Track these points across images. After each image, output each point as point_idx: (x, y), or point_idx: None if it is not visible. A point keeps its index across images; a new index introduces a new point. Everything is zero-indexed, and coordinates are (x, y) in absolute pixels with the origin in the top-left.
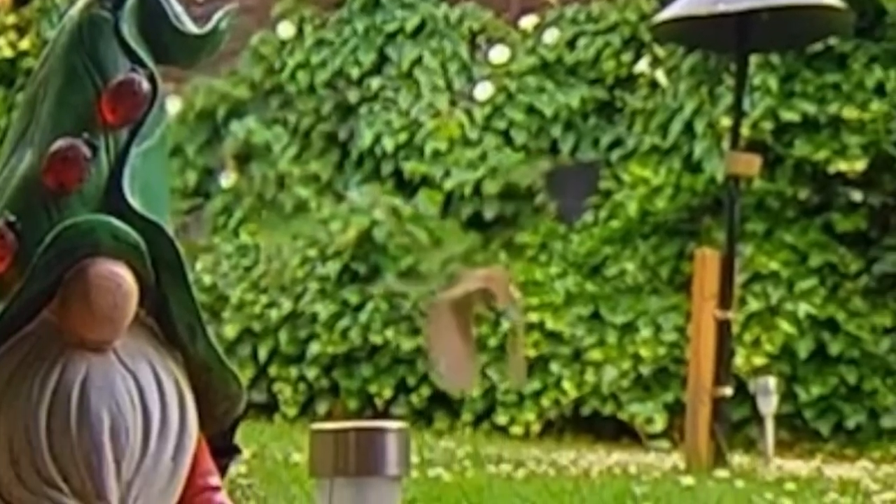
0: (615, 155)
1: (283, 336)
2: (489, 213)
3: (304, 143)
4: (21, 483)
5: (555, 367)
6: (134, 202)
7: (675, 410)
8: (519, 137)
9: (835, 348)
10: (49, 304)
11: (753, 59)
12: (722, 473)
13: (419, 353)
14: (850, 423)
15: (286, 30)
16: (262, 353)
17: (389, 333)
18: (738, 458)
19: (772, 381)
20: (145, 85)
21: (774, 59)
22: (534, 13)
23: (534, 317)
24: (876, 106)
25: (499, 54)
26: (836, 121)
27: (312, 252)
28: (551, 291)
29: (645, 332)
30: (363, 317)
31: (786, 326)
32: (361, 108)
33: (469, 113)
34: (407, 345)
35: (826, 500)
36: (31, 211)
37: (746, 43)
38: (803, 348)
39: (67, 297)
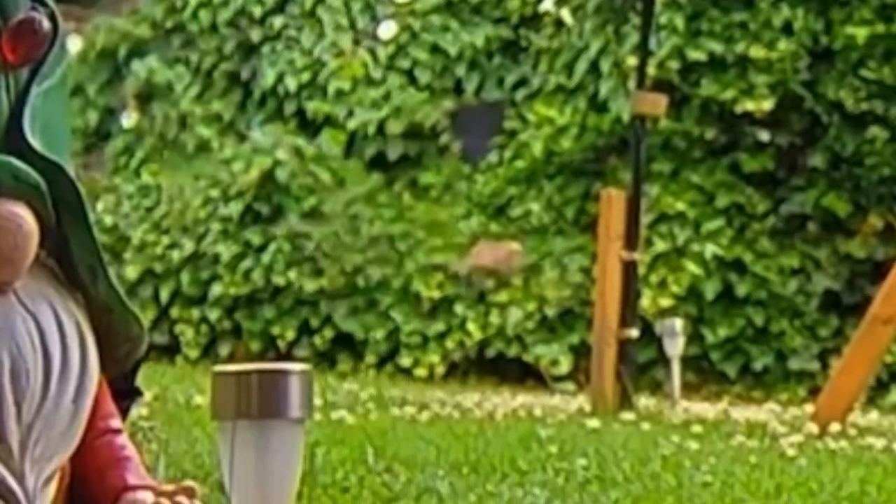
0: (520, 95)
1: (184, 277)
2: (393, 154)
3: (207, 83)
4: None
5: (459, 309)
6: (34, 142)
7: (581, 352)
8: (423, 77)
9: (742, 290)
10: None
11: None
12: (628, 416)
13: (322, 295)
14: (757, 366)
15: None
16: (164, 295)
17: (292, 275)
18: (644, 401)
19: (678, 323)
20: (46, 24)
21: None
22: None
23: (438, 258)
24: (783, 45)
25: None
26: (743, 60)
27: (215, 192)
28: (456, 232)
29: (550, 274)
30: (266, 258)
31: (692, 268)
32: (264, 48)
33: (373, 52)
34: (310, 286)
35: (733, 442)
36: None
37: None
38: (710, 290)
39: None
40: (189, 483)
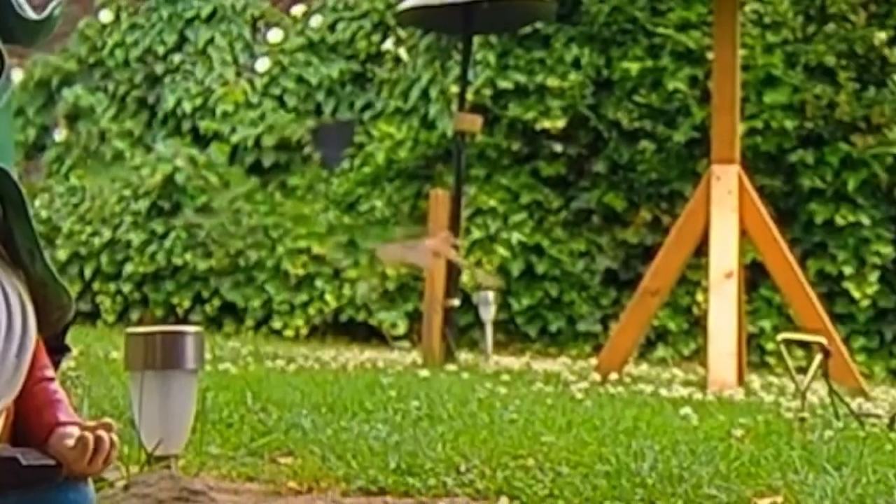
0: (367, 115)
1: (104, 258)
2: (267, 161)
3: (121, 106)
4: None
5: (319, 283)
6: None
7: (414, 317)
8: (291, 101)
9: (541, 268)
10: None
11: (476, 39)
12: (451, 368)
13: (211, 272)
14: (553, 328)
15: (106, 16)
16: (87, 272)
17: (188, 256)
18: (464, 356)
19: (491, 295)
20: None
21: (493, 39)
22: (302, 2)
23: (302, 243)
24: (573, 76)
25: (275, 35)
26: (542, 88)
27: (127, 192)
28: (316, 223)
29: None
30: (167, 243)
31: (502, 251)
32: (166, 78)
33: (251, 82)
34: (202, 265)
35: (534, 388)
36: None
37: (470, 26)
38: (515, 268)
39: None
40: (107, 420)
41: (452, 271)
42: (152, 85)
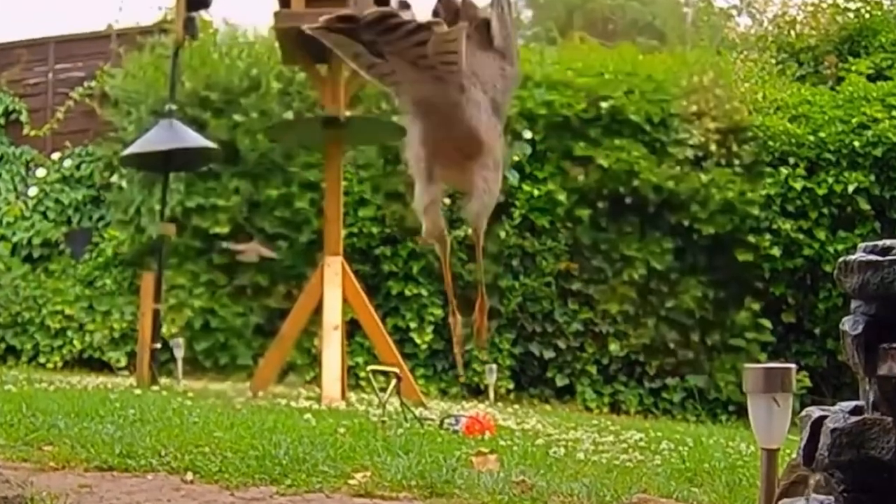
0: (101, 224)
1: None
2: (35, 254)
3: None
4: None
5: (69, 333)
6: None
7: (132, 355)
8: (51, 215)
9: (213, 323)
10: None
11: (172, 175)
12: (155, 388)
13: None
14: (222, 362)
15: None
16: None
17: None
18: (164, 381)
19: (181, 340)
20: None
21: (182, 174)
22: (58, 151)
23: (59, 307)
24: (234, 198)
25: (41, 172)
26: (215, 206)
27: None
28: (67, 294)
29: (114, 318)
30: None
31: (188, 312)
32: None
33: (25, 202)
34: None
35: (209, 401)
36: None
37: (168, 166)
38: (197, 323)
39: None
40: None
41: (157, 322)
42: None
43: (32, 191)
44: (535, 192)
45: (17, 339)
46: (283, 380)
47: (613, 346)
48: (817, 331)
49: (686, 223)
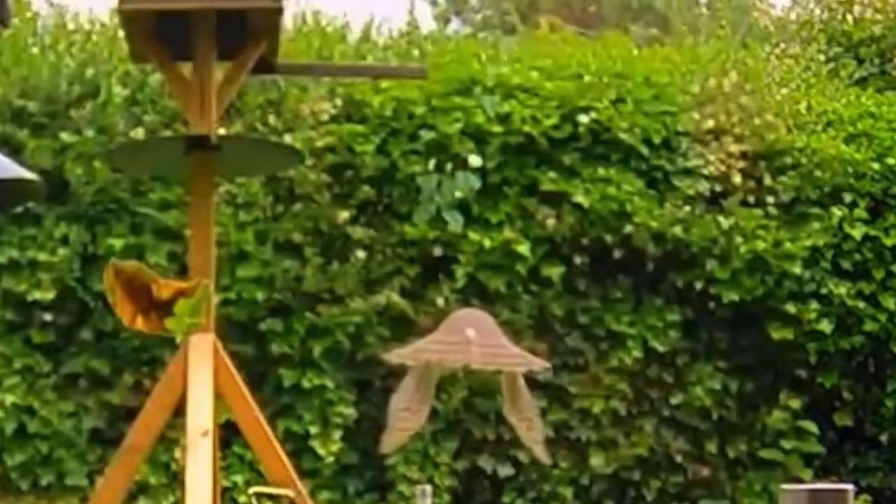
0: None
1: None
2: None
3: None
4: None
5: None
6: None
7: None
8: None
9: (32, 427)
10: None
11: None
12: None
13: None
14: (44, 482)
15: None
16: None
17: None
18: None
19: None
20: None
21: None
22: None
23: None
24: (62, 251)
25: None
26: (33, 262)
27: None
28: None
29: None
30: None
31: None
32: None
33: None
34: None
35: None
36: None
37: None
38: (9, 427)
39: None
40: None
41: None
42: None
43: None
44: (487, 243)
45: None
46: None
47: (596, 460)
48: (884, 438)
49: (699, 286)
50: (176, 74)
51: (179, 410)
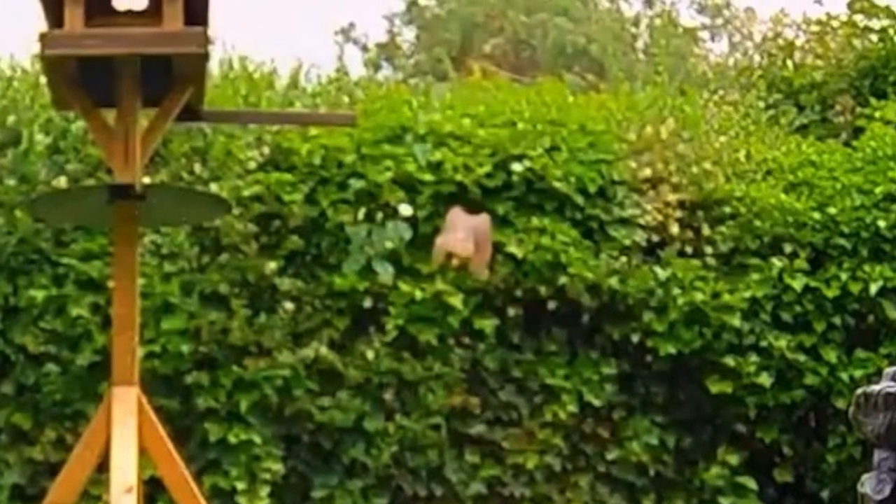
0: None
1: None
2: None
3: None
4: None
5: None
6: None
7: None
8: None
9: None
10: None
11: None
12: None
13: None
14: None
15: None
16: None
17: None
18: None
19: None
20: None
21: None
22: None
23: None
24: None
25: None
26: None
27: None
28: None
29: None
30: None
31: None
32: None
33: None
34: None
35: None
36: None
37: None
38: None
39: None
40: None
41: None
42: None
43: None
44: (418, 294)
45: None
46: None
47: None
48: (825, 494)
49: (635, 339)
50: (99, 122)
51: (103, 466)
